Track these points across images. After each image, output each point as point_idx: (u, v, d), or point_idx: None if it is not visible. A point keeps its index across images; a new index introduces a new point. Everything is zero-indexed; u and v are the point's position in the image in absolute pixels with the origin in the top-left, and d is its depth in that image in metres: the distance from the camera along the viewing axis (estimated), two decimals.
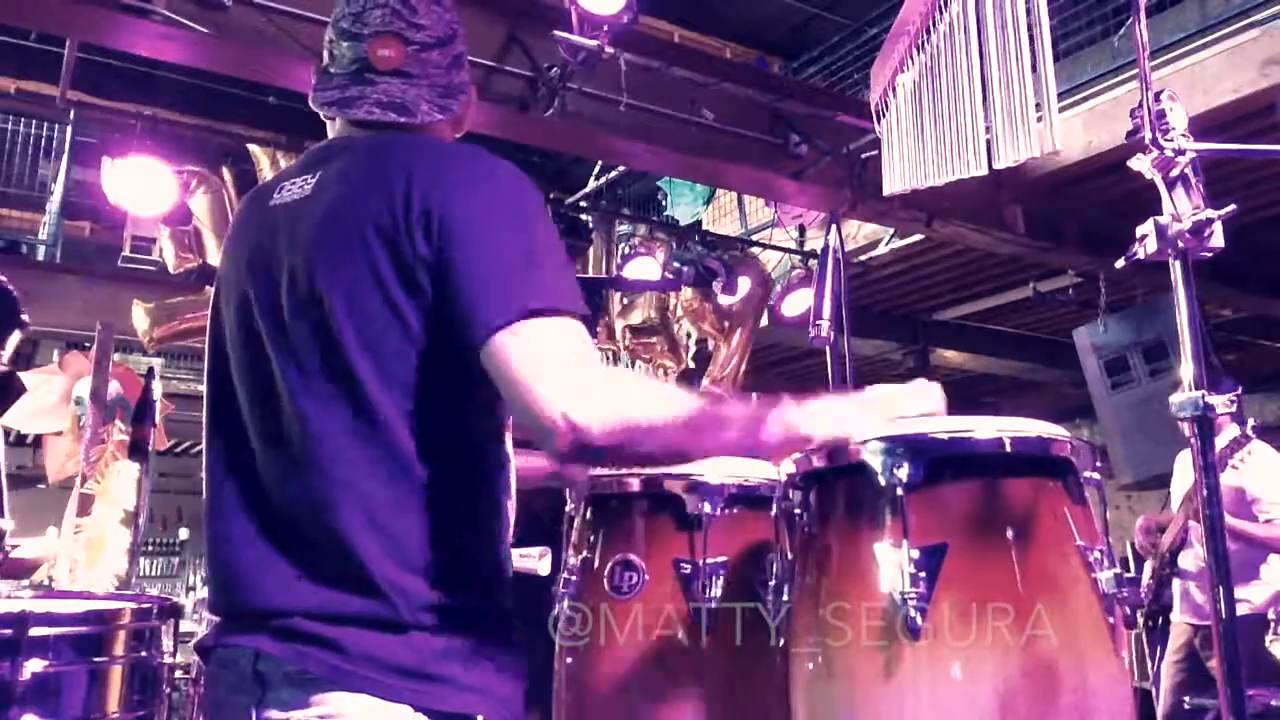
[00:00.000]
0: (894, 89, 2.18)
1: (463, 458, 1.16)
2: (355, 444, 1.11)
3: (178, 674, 2.51)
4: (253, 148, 4.80)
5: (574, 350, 1.08)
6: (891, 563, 1.40)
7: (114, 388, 5.63)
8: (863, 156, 4.69)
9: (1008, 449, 1.47)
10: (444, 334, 1.12)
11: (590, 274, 5.96)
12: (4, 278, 2.10)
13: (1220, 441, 3.53)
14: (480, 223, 1.12)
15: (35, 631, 1.89)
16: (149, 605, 2.21)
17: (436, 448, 1.13)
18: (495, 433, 1.22)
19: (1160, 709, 3.96)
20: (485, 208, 1.14)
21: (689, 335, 6.47)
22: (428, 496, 1.12)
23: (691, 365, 6.36)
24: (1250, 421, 3.55)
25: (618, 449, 1.09)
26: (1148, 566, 4.09)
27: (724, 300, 6.08)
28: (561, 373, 1.05)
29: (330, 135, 1.35)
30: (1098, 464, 1.54)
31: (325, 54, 1.33)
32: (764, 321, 6.81)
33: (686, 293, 6.11)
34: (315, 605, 1.09)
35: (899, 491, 1.41)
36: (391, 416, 1.11)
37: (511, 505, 1.26)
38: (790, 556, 1.65)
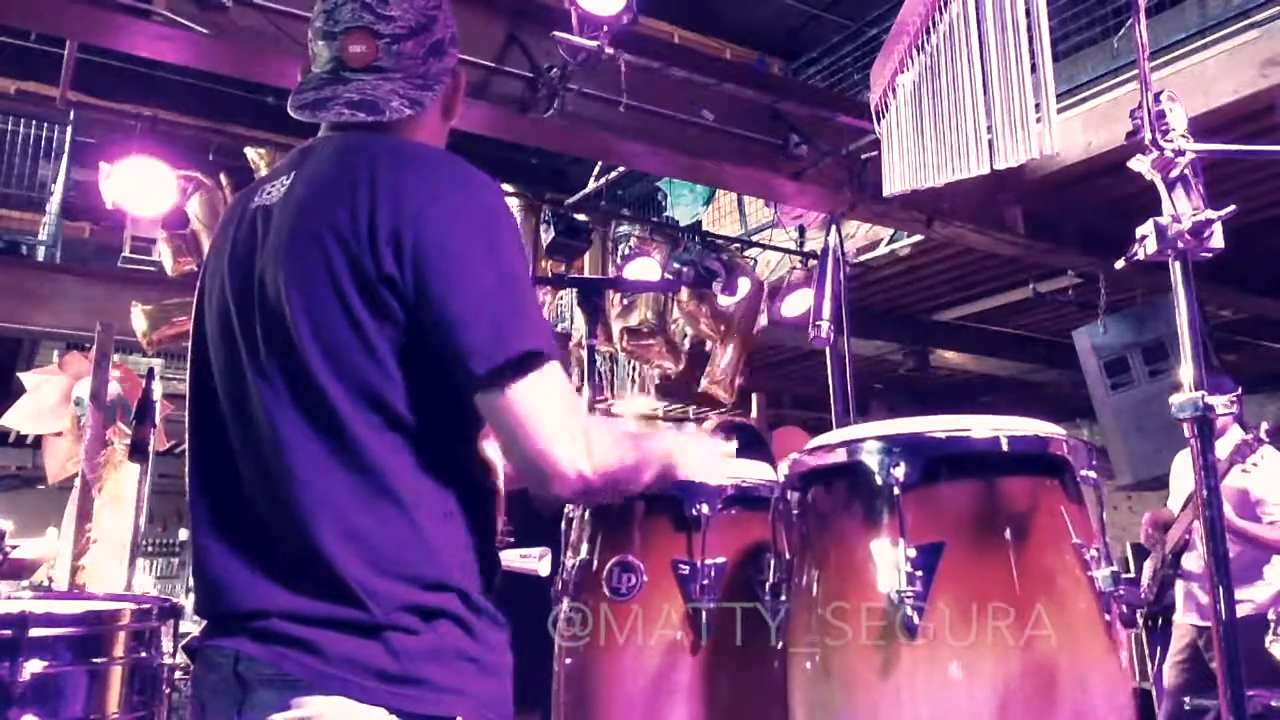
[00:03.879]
0: (894, 89, 2.18)
1: (435, 460, 1.16)
2: (322, 451, 1.11)
3: (177, 674, 2.51)
4: (249, 152, 4.79)
5: (570, 401, 1.14)
6: (888, 562, 1.40)
7: (114, 389, 5.63)
8: (863, 157, 4.69)
9: (1004, 448, 1.47)
10: (412, 350, 1.12)
11: (590, 275, 5.95)
12: None
13: (1227, 444, 3.53)
14: (456, 250, 1.12)
15: (35, 632, 1.89)
16: (148, 606, 2.21)
17: (405, 453, 1.13)
18: (469, 435, 1.22)
19: (1161, 710, 3.96)
20: (461, 232, 1.13)
21: (684, 336, 6.46)
22: (399, 501, 1.12)
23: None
24: (1264, 425, 3.54)
25: (604, 490, 1.18)
26: (1148, 566, 4.09)
27: (722, 302, 6.08)
28: (569, 429, 1.12)
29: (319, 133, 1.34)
30: (1094, 462, 1.54)
31: (309, 56, 1.32)
32: (764, 322, 6.81)
33: (684, 294, 6.10)
34: (293, 608, 1.09)
35: (895, 490, 1.41)
36: (357, 424, 1.11)
37: (497, 503, 1.26)
38: (788, 557, 1.65)
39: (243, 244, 1.23)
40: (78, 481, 5.36)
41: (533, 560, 2.24)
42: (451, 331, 1.10)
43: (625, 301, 6.04)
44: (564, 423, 1.11)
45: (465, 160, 1.21)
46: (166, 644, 2.23)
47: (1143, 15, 1.57)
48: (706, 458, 1.43)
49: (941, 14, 2.00)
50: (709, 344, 6.44)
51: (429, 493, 1.14)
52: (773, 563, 1.67)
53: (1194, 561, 3.88)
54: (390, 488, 1.12)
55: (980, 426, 1.47)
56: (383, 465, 1.12)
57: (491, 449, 1.25)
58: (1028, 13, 1.83)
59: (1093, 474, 1.52)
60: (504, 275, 1.14)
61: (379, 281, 1.10)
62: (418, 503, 1.13)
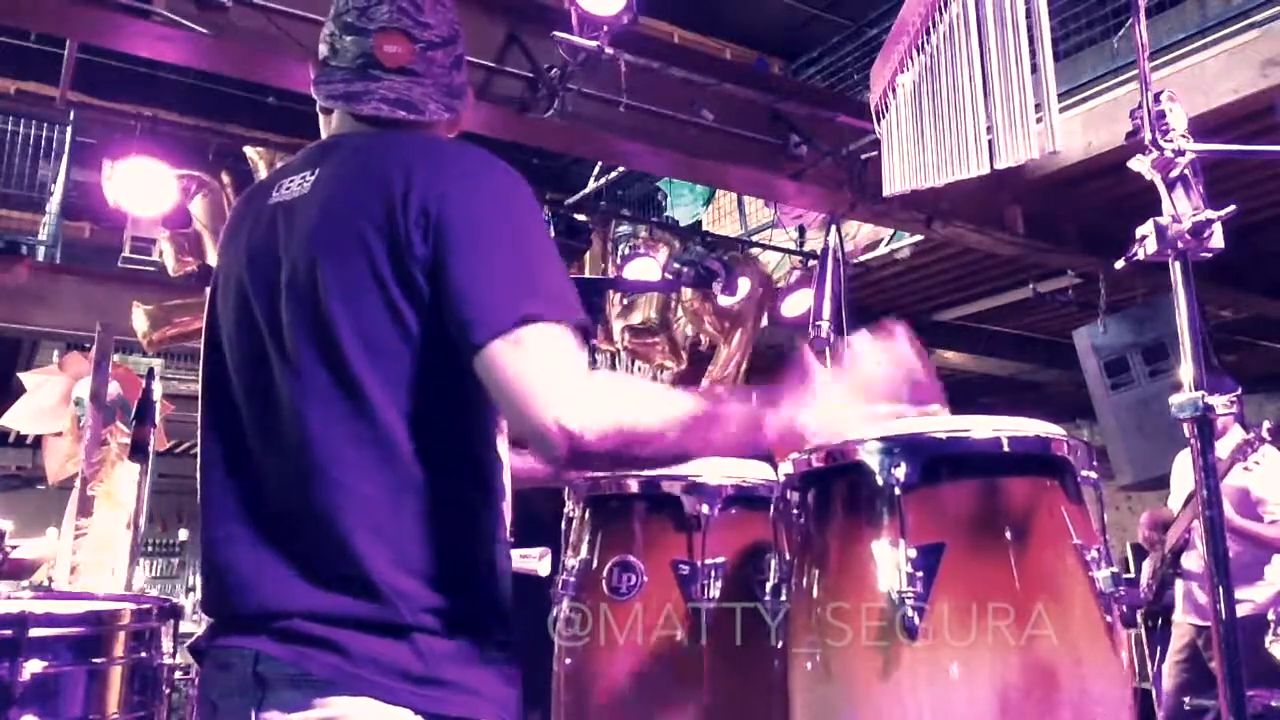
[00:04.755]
0: (894, 89, 2.18)
1: (462, 459, 1.16)
2: (354, 446, 1.11)
3: (177, 675, 2.51)
4: (249, 151, 4.78)
5: (564, 357, 1.08)
6: (889, 562, 1.40)
7: (114, 389, 5.64)
8: (863, 157, 4.69)
9: (1005, 448, 1.47)
10: (441, 335, 1.12)
11: (590, 275, 5.95)
12: None
13: (1228, 444, 3.53)
14: (476, 224, 1.12)
15: (35, 632, 1.90)
16: (148, 606, 2.22)
17: (436, 450, 1.13)
18: (490, 433, 1.22)
19: (1161, 710, 3.96)
20: (481, 209, 1.14)
21: (686, 337, 6.46)
22: (427, 499, 1.11)
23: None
24: (1266, 423, 3.54)
25: (614, 453, 1.10)
26: (1147, 565, 4.09)
27: (724, 300, 6.07)
28: (552, 380, 1.06)
29: (325, 130, 1.34)
30: (1094, 463, 1.54)
31: (325, 47, 1.32)
32: (764, 322, 6.81)
33: (686, 293, 6.10)
34: (316, 607, 1.08)
35: (896, 491, 1.41)
36: (391, 418, 1.11)
37: (508, 505, 1.26)
38: (788, 557, 1.65)
39: (263, 241, 1.22)
40: (78, 481, 5.36)
41: (532, 560, 2.24)
42: (457, 297, 1.09)
43: (626, 301, 6.04)
44: (551, 378, 1.06)
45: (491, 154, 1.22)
46: (166, 644, 2.24)
47: (1143, 15, 1.57)
48: (872, 405, 1.29)
49: (941, 14, 2.00)
50: (708, 341, 6.44)
51: (456, 492, 1.14)
52: (773, 563, 1.67)
53: (1193, 561, 3.88)
54: (420, 486, 1.11)
55: (981, 427, 1.47)
56: (415, 462, 1.11)
57: (503, 446, 1.25)
58: (1028, 12, 1.83)
59: (1093, 474, 1.52)
60: (518, 250, 1.13)
61: (413, 265, 1.11)
62: (445, 502, 1.13)
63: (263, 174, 4.68)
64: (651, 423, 1.11)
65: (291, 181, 1.24)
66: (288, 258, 1.18)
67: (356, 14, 1.29)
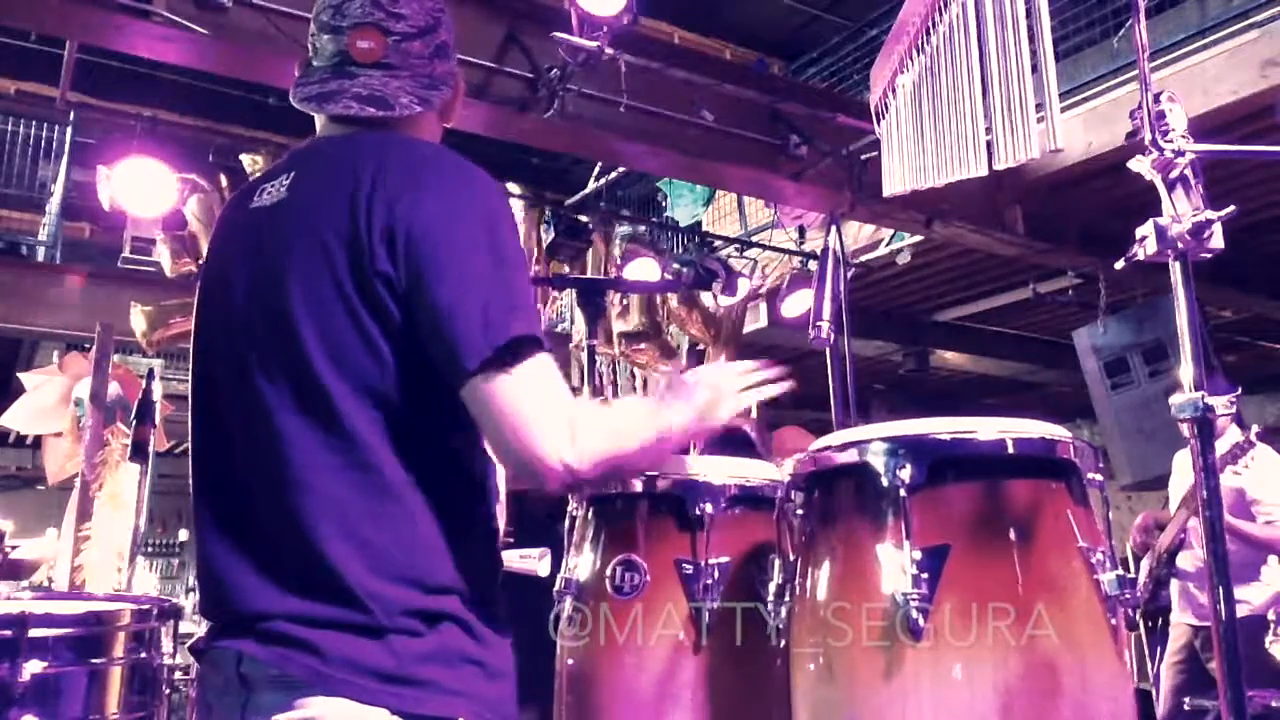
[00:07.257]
0: (894, 90, 2.18)
1: (439, 462, 1.16)
2: (326, 453, 1.11)
3: (177, 675, 2.51)
4: (244, 159, 4.75)
5: (556, 392, 1.12)
6: (893, 563, 1.40)
7: (114, 389, 5.63)
8: (862, 157, 4.69)
9: (1010, 450, 1.47)
10: (413, 348, 1.12)
11: (590, 275, 5.94)
12: None
13: (1222, 445, 3.53)
14: (450, 243, 1.11)
15: (35, 633, 1.90)
16: (148, 606, 2.22)
17: (410, 454, 1.13)
18: (475, 437, 1.21)
19: (1160, 710, 3.95)
20: (454, 227, 1.13)
21: (679, 342, 6.45)
22: (403, 503, 1.12)
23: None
24: (1255, 427, 3.54)
25: (601, 479, 1.16)
26: (1144, 566, 4.09)
27: (721, 303, 6.07)
28: (553, 419, 1.10)
29: (316, 132, 1.34)
30: (1100, 465, 1.54)
31: (309, 48, 1.32)
32: (763, 323, 6.81)
33: (672, 300, 6.09)
34: (295, 610, 1.09)
35: (901, 492, 1.41)
36: (361, 426, 1.11)
37: (500, 505, 1.26)
38: (792, 557, 1.65)
39: (244, 246, 1.23)
40: (78, 482, 5.36)
41: (532, 560, 2.24)
42: (441, 322, 1.09)
43: (624, 303, 6.03)
44: (547, 413, 1.09)
45: (467, 159, 1.20)
46: (166, 644, 2.24)
47: (1143, 15, 1.57)
48: (730, 395, 1.37)
49: (941, 14, 2.00)
50: (703, 347, 6.43)
51: (433, 493, 1.14)
52: (776, 563, 1.67)
53: (1188, 561, 3.88)
54: (394, 489, 1.12)
55: (986, 428, 1.47)
56: (386, 466, 1.11)
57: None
58: (1029, 11, 1.83)
59: (1099, 476, 1.52)
60: (497, 267, 1.13)
61: (375, 277, 1.10)
62: (421, 503, 1.13)
63: (257, 176, 4.63)
64: (629, 447, 1.18)
65: (272, 186, 1.25)
66: (262, 266, 1.18)
67: (331, 12, 1.29)
